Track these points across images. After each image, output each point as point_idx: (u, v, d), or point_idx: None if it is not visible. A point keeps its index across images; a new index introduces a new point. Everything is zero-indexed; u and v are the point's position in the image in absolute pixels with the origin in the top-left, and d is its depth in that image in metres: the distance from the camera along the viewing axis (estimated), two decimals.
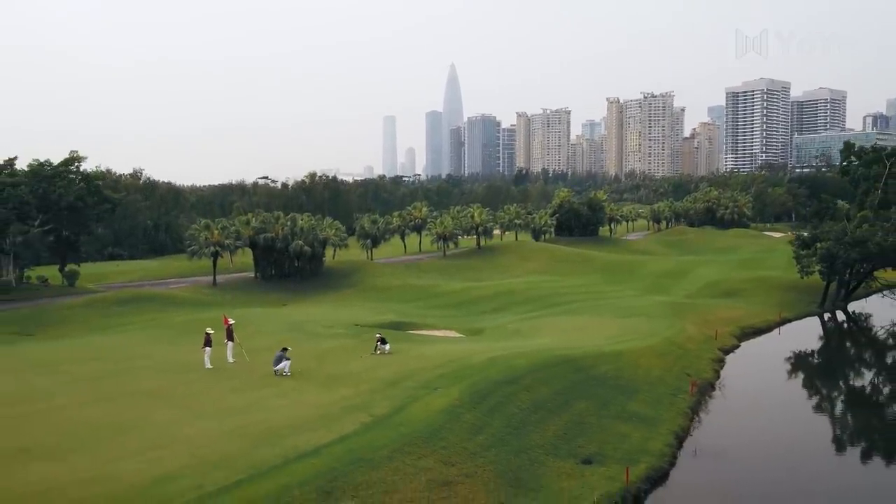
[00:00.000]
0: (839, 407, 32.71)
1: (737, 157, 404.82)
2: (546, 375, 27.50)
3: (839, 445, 26.71)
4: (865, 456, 25.58)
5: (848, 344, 46.78)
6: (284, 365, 26.95)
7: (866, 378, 38.25)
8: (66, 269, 52.35)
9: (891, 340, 45.83)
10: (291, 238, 56.52)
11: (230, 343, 29.13)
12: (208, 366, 27.98)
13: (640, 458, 22.19)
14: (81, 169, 55.29)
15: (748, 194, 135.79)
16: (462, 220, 78.20)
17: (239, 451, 18.51)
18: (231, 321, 30.01)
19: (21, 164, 51.83)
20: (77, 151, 51.10)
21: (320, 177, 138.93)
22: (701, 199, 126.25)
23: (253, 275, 59.77)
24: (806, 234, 53.74)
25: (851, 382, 37.10)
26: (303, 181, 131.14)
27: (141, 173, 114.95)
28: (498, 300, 52.35)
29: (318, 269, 59.42)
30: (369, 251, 71.58)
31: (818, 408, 32.17)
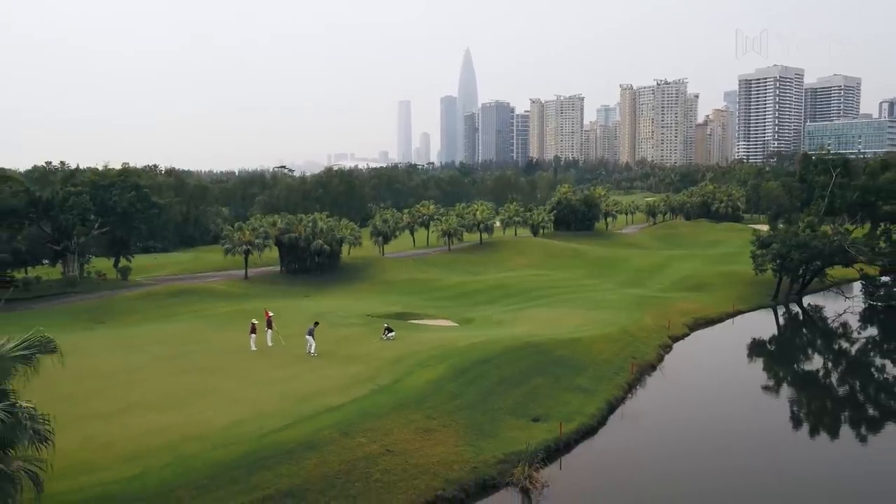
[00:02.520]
0: (763, 385, 39.54)
1: (749, 145, 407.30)
2: (514, 357, 35.17)
3: (753, 417, 32.52)
4: (769, 424, 32.40)
5: (787, 332, 53.72)
6: (311, 343, 34.91)
7: (795, 361, 45.45)
8: (120, 265, 60.90)
9: (834, 329, 52.69)
10: (313, 237, 64.56)
11: (269, 331, 37.19)
12: (253, 348, 36.04)
13: (575, 417, 29.90)
14: (130, 174, 63.56)
15: (745, 188, 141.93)
16: (466, 217, 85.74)
17: (284, 407, 26.52)
18: (271, 313, 38.11)
19: (25, 163, 59.98)
20: (129, 163, 59.67)
21: (336, 170, 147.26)
22: (697, 192, 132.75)
23: (278, 269, 67.99)
24: (761, 230, 60.50)
25: (781, 365, 44.27)
26: (320, 175, 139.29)
27: (173, 171, 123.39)
28: (491, 293, 59.98)
29: (335, 264, 67.47)
30: (381, 247, 79.39)
31: (742, 385, 39.14)
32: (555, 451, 27.08)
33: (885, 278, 57.42)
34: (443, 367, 32.41)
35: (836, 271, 61.32)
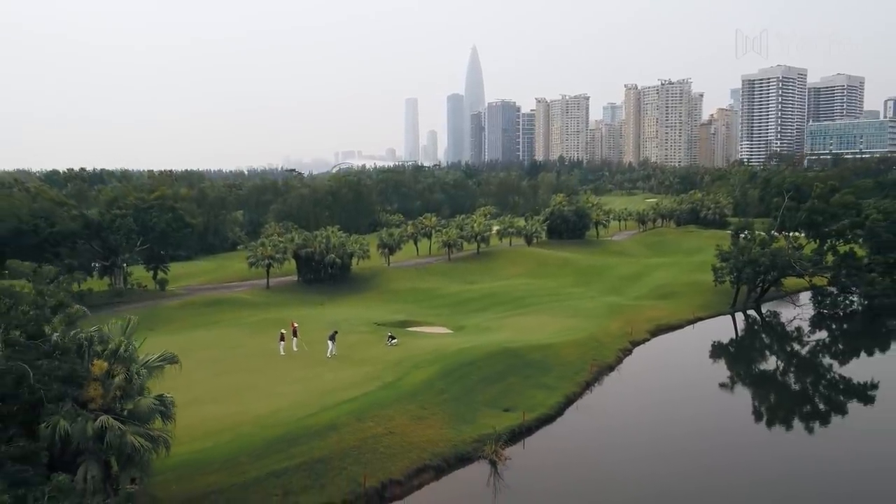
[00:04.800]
0: (708, 382, 46.89)
1: (752, 145, 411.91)
2: (494, 360, 43.11)
3: (692, 410, 40.03)
4: (704, 416, 40.74)
5: (738, 337, 61.32)
6: (332, 347, 43.17)
7: (739, 361, 53.23)
8: (158, 277, 69.48)
9: (783, 333, 60.40)
10: (326, 252, 72.85)
11: (295, 338, 45.49)
12: (282, 353, 44.29)
13: (537, 408, 37.89)
14: (167, 197, 72.13)
15: (732, 193, 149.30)
16: (465, 228, 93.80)
17: (311, 399, 34.70)
18: (296, 324, 46.41)
19: (30, 163, 68.40)
20: (166, 187, 67.87)
21: (345, 179, 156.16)
22: (686, 200, 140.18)
23: (296, 278, 76.35)
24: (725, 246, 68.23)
25: (726, 365, 52.09)
26: (330, 185, 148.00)
27: (194, 183, 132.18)
28: (483, 301, 67.88)
29: (346, 274, 75.72)
30: (387, 258, 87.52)
31: (687, 383, 46.96)
32: (518, 434, 35.09)
33: (831, 288, 64.97)
34: (434, 368, 40.49)
35: (793, 281, 68.88)
